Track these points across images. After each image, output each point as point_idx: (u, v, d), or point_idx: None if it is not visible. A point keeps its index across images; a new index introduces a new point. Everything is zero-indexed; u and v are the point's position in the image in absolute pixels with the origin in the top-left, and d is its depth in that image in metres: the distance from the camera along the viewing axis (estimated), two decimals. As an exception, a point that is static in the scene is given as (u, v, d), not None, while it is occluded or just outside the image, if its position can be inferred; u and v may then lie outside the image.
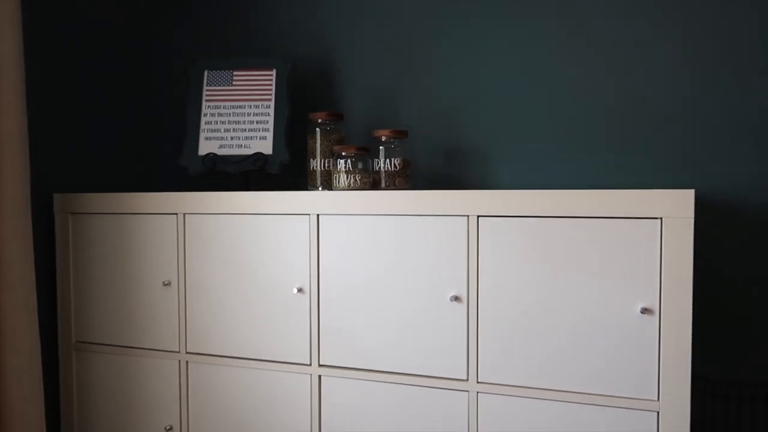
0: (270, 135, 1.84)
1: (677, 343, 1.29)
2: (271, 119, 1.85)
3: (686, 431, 1.28)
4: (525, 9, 1.77)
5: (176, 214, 1.71)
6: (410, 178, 1.70)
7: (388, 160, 1.65)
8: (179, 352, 1.72)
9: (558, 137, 1.75)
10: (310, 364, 1.59)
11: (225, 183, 2.08)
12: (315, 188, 1.73)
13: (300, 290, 1.59)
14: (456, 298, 1.45)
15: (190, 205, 1.69)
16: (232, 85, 1.89)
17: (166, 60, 2.18)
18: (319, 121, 1.73)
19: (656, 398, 1.31)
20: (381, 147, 1.66)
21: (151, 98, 2.19)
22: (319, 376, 1.59)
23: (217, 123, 1.87)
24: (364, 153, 1.64)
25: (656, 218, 1.30)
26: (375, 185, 1.67)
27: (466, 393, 1.46)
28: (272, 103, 1.86)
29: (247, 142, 1.85)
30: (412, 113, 1.90)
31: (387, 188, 1.65)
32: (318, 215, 1.57)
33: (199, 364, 1.71)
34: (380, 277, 1.52)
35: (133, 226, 1.75)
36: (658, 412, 1.31)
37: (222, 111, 1.88)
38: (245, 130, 1.85)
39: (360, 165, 1.63)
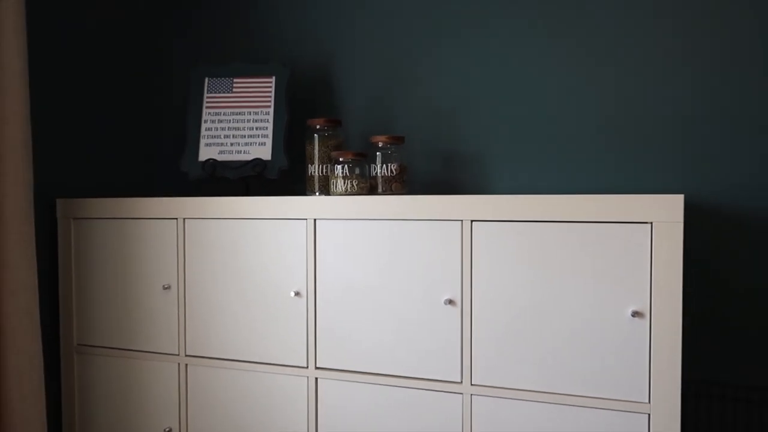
0: (269, 141, 1.86)
1: (668, 345, 1.30)
2: (270, 125, 1.87)
3: (677, 433, 1.30)
4: (520, 15, 1.80)
5: (176, 218, 1.73)
6: (407, 183, 1.72)
7: (384, 165, 1.67)
8: (179, 354, 1.74)
9: (553, 142, 1.78)
10: (307, 367, 1.61)
11: (225, 188, 2.11)
12: (313, 193, 1.75)
13: (297, 294, 1.61)
14: (450, 302, 1.47)
15: (190, 210, 1.71)
16: (232, 92, 1.91)
17: (167, 66, 2.21)
18: (317, 127, 1.75)
19: (647, 400, 1.32)
20: (378, 153, 1.68)
21: (152, 104, 2.22)
22: (316, 379, 1.60)
23: (217, 129, 1.90)
24: (362, 158, 1.67)
25: (647, 223, 1.32)
26: (372, 190, 1.69)
27: (461, 395, 1.48)
28: (271, 110, 1.88)
29: (247, 148, 1.87)
30: (409, 119, 1.92)
31: (384, 193, 1.67)
32: (315, 220, 1.60)
33: (198, 366, 1.73)
34: (376, 281, 1.54)
35: (134, 230, 1.78)
36: (649, 415, 1.32)
37: (222, 117, 1.90)
38: (245, 137, 1.88)
39: (357, 170, 1.65)
